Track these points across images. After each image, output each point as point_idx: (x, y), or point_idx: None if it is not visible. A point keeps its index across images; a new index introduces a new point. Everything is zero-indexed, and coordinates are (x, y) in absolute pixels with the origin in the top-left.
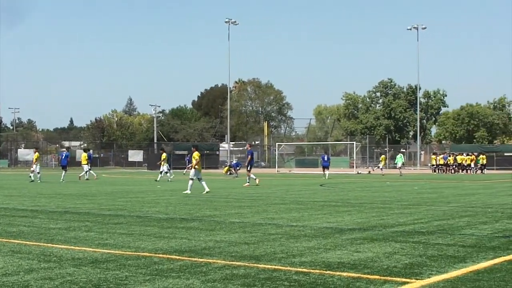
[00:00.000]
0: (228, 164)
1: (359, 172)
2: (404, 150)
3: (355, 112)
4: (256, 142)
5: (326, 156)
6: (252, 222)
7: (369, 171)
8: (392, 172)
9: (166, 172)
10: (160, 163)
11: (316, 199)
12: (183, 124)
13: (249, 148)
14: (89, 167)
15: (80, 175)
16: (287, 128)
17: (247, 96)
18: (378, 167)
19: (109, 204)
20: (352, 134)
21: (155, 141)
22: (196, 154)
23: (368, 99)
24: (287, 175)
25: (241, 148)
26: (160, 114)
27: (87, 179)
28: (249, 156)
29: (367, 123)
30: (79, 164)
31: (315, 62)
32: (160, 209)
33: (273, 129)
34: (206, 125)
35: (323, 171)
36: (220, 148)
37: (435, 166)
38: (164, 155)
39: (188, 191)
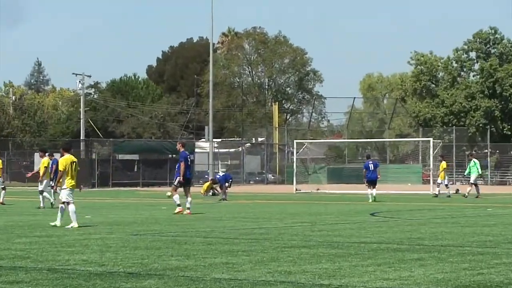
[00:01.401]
0: (210, 178)
1: (439, 192)
2: None
3: (433, 86)
4: (260, 140)
5: (372, 163)
6: (253, 278)
7: (457, 190)
8: (496, 191)
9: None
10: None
11: (364, 238)
12: (131, 107)
13: (181, 149)
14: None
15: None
16: (314, 114)
17: (244, 59)
18: (441, 184)
19: (0, 249)
20: (427, 125)
21: (82, 137)
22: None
23: (454, 64)
24: (313, 196)
25: (232, 150)
26: (92, 90)
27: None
28: (182, 163)
29: (453, 106)
30: None
31: (361, 2)
32: (90, 256)
33: (289, 117)
34: (172, 109)
35: (369, 188)
36: (197, 149)
37: None
38: None
39: (57, 222)
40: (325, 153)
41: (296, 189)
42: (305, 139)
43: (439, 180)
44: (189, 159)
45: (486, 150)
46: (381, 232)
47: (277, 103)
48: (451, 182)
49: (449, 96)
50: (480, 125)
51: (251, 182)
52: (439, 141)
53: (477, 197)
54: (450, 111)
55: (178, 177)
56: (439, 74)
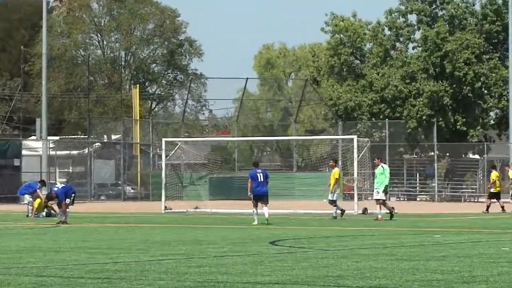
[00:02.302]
0: (44, 193)
1: (367, 210)
2: (478, 157)
3: (357, 62)
4: (114, 138)
5: (262, 172)
6: None
7: (392, 208)
8: (447, 210)
9: None
10: None
11: (261, 277)
12: None
13: None
14: None
15: None
16: (190, 102)
17: (91, 23)
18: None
19: None
20: (350, 117)
21: None
22: None
23: (387, 32)
24: (189, 217)
25: (75, 152)
26: None
27: None
28: None
29: (385, 90)
30: None
31: None
32: None
33: (155, 105)
34: None
35: (256, 206)
36: (25, 151)
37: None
38: None
39: None
40: (206, 157)
41: (166, 208)
42: (178, 137)
43: (330, 196)
44: None
45: (432, 153)
46: (286, 268)
47: (138, 86)
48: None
49: (380, 76)
50: (424, 117)
51: (102, 198)
52: (366, 139)
53: (376, 218)
54: (381, 98)
55: None
56: (365, 45)
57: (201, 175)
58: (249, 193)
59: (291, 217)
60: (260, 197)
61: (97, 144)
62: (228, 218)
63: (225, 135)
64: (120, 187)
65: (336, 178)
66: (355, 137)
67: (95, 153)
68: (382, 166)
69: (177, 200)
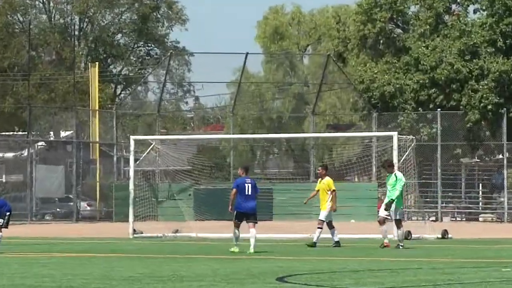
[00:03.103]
0: None
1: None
2: None
3: (399, 32)
4: (64, 135)
5: (250, 182)
6: None
7: (444, 232)
8: None
9: None
10: None
11: None
12: None
13: None
14: None
15: None
16: (169, 85)
17: None
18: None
19: None
20: (388, 107)
21: None
22: None
23: None
24: (167, 244)
25: (10, 155)
26: None
27: None
28: None
29: (436, 70)
30: None
31: None
32: None
33: (120, 90)
34: None
35: (237, 226)
36: None
37: None
38: None
39: None
40: (191, 161)
41: (135, 231)
42: (152, 135)
43: (321, 215)
44: None
45: (500, 156)
46: None
47: (97, 64)
48: (431, 218)
49: (430, 51)
50: (489, 106)
51: (47, 217)
52: (410, 137)
53: (398, 245)
54: (431, 80)
55: None
56: (409, 9)
57: (184, 186)
58: (230, 208)
59: (305, 243)
60: (247, 215)
61: (40, 143)
62: (220, 246)
63: (216, 131)
64: (72, 203)
65: (334, 190)
66: (395, 133)
67: (38, 156)
68: (395, 175)
69: (150, 221)
